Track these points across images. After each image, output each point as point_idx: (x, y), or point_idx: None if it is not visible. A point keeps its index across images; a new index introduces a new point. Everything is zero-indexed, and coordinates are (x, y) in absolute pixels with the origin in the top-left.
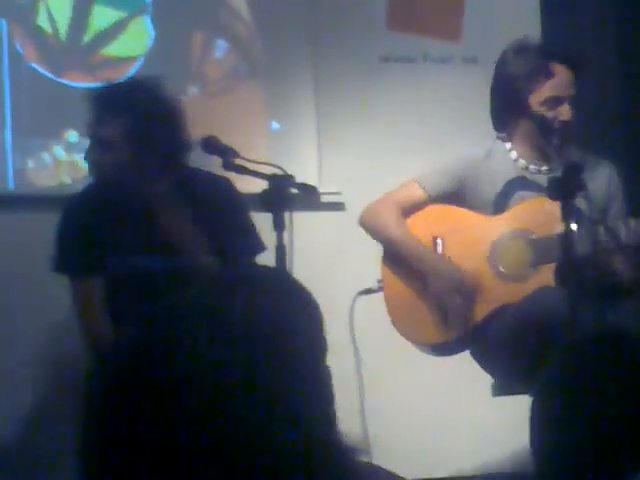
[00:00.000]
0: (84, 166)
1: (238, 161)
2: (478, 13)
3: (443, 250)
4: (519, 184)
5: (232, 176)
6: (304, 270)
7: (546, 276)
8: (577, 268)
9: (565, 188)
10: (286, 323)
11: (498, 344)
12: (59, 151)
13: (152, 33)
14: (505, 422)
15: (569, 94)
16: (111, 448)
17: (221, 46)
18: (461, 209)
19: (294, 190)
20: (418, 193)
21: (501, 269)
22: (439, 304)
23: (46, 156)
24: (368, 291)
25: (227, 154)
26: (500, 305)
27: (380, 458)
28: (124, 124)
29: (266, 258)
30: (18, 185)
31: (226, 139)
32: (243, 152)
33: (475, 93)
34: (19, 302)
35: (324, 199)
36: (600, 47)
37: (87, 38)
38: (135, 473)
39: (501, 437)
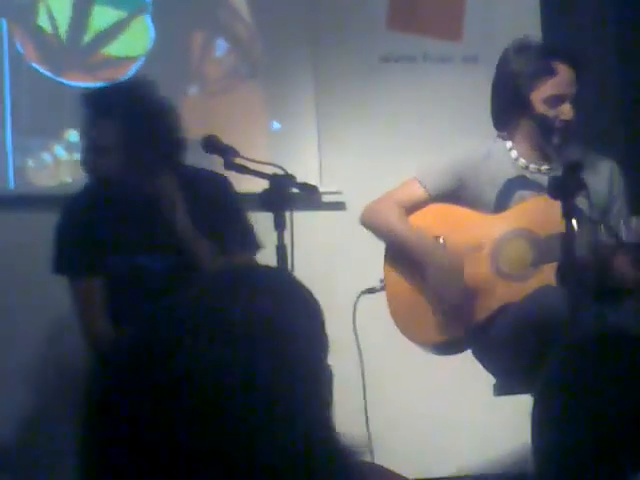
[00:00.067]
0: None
1: (239, 160)
2: (478, 13)
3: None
4: (519, 183)
5: (233, 175)
6: (305, 270)
7: (547, 275)
8: (578, 267)
9: (566, 187)
10: (287, 323)
11: (499, 343)
12: (59, 151)
13: (152, 33)
14: (506, 422)
15: (570, 93)
16: (111, 448)
17: (221, 46)
18: (462, 208)
19: (295, 190)
20: (419, 192)
21: (502, 268)
22: (439, 297)
23: (46, 156)
24: (371, 290)
25: (228, 153)
26: (501, 304)
27: (382, 457)
28: (117, 126)
29: (267, 258)
30: (18, 185)
31: (226, 139)
32: (243, 152)
33: (475, 93)
34: (19, 302)
35: (325, 199)
36: (600, 47)
37: (87, 38)
38: (135, 473)
39: (502, 437)
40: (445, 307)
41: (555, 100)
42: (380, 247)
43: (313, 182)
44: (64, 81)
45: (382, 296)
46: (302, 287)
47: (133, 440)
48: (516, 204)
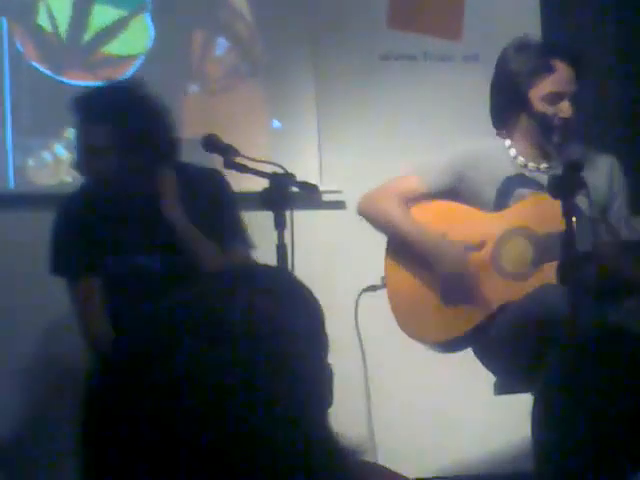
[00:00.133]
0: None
1: (239, 159)
2: (478, 12)
3: None
4: (518, 181)
5: (233, 174)
6: (305, 269)
7: (547, 274)
8: (578, 266)
9: (565, 186)
10: (287, 322)
11: (499, 342)
12: (59, 149)
13: (152, 31)
14: (507, 421)
15: (570, 91)
16: (111, 448)
17: (222, 44)
18: (462, 205)
19: (295, 188)
20: (416, 185)
21: (503, 267)
22: (443, 285)
23: (46, 155)
24: (372, 288)
25: (228, 152)
26: (502, 303)
27: (383, 457)
28: (109, 128)
29: (267, 257)
30: (18, 184)
31: (227, 137)
32: (244, 150)
33: (476, 92)
34: (19, 302)
35: (325, 198)
36: (600, 47)
37: (87, 36)
38: (135, 473)
39: (503, 436)
40: (448, 292)
41: (554, 98)
42: (381, 246)
43: (313, 181)
44: (64, 80)
45: (383, 294)
46: (302, 286)
47: (133, 440)
48: (515, 202)
